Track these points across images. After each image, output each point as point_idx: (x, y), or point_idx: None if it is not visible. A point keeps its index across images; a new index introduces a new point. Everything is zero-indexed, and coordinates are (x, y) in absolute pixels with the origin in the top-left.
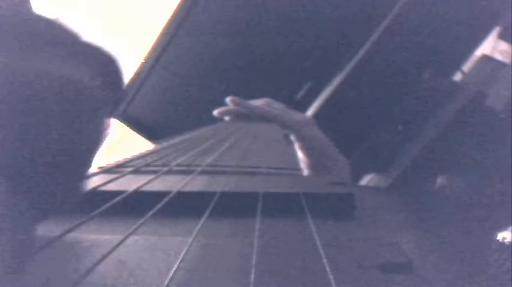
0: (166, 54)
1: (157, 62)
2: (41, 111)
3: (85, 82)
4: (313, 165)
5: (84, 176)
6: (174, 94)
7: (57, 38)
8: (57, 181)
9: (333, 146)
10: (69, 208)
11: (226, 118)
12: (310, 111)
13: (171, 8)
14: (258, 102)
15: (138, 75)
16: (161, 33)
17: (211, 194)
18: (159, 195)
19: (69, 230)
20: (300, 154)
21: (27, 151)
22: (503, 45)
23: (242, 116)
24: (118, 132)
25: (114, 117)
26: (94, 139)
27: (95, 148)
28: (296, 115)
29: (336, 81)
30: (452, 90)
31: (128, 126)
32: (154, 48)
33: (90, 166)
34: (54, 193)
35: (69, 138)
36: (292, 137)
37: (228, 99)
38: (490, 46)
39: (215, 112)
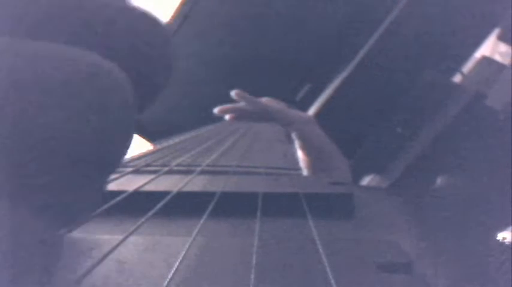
0: None
1: None
2: (58, 105)
3: (113, 72)
4: (312, 164)
5: (106, 181)
6: (176, 97)
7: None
8: (81, 187)
9: (333, 145)
10: (93, 213)
11: (227, 117)
12: (310, 112)
13: (171, 9)
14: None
15: None
16: None
17: (211, 194)
18: (159, 195)
19: (69, 230)
20: (300, 153)
21: (45, 154)
22: (503, 47)
23: (242, 114)
24: None
25: None
26: (121, 139)
27: (123, 148)
28: (297, 113)
29: (336, 82)
30: (452, 91)
31: None
32: None
33: (115, 169)
34: (80, 199)
35: (93, 137)
36: (292, 136)
37: (233, 92)
38: (490, 48)
39: (216, 110)
